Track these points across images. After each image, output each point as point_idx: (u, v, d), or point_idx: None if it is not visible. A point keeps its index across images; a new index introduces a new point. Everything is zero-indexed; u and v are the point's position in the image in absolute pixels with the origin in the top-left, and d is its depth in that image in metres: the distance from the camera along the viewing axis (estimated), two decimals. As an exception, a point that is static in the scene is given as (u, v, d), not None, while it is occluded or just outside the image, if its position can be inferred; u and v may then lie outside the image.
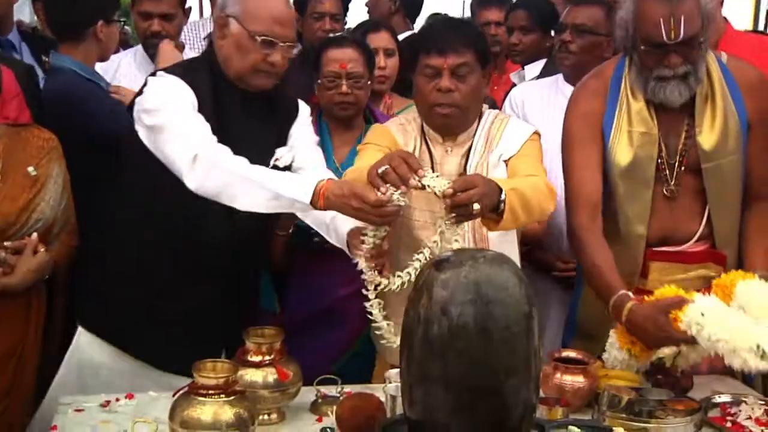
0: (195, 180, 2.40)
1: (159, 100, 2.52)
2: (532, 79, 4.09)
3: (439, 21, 2.86)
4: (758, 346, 2.26)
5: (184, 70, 2.62)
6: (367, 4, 5.12)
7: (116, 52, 4.01)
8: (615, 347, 2.53)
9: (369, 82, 3.20)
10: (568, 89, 3.42)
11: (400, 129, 2.81)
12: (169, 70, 2.65)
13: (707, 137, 2.70)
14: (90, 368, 2.69)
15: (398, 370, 2.00)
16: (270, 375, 2.33)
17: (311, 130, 2.86)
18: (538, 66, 4.15)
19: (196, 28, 4.31)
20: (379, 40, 3.61)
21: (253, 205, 2.40)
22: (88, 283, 2.76)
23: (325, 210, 2.36)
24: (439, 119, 2.72)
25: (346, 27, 4.47)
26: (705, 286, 2.71)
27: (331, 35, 3.44)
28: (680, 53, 2.61)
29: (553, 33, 4.07)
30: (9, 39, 3.83)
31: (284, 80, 3.28)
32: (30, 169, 2.72)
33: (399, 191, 2.24)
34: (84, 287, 2.77)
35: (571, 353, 2.54)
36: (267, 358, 2.35)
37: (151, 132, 2.51)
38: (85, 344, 2.71)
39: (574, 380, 2.42)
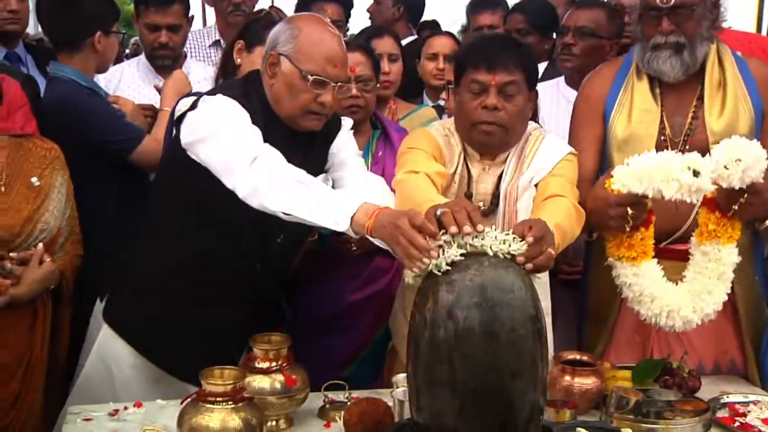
0: (249, 182, 2.32)
1: (217, 115, 2.47)
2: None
3: (490, 37, 2.77)
4: (689, 167, 2.35)
5: (242, 96, 2.55)
6: (369, 10, 5.13)
7: (119, 61, 4.04)
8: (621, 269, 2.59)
9: (378, 85, 3.20)
10: (570, 92, 3.43)
11: (445, 141, 2.70)
12: (226, 91, 2.57)
13: (716, 119, 2.72)
14: (114, 362, 2.70)
15: (405, 374, 2.00)
16: (277, 381, 2.32)
17: (351, 143, 2.78)
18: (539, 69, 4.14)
19: (200, 37, 4.30)
20: (383, 45, 3.61)
21: (295, 208, 2.27)
22: (120, 286, 2.76)
23: (370, 234, 2.19)
24: (482, 136, 2.62)
25: (348, 33, 4.47)
26: None
27: None
28: (673, 20, 2.66)
29: (554, 36, 4.06)
30: (16, 52, 3.87)
31: None
32: (33, 179, 2.72)
33: (453, 250, 1.91)
34: (115, 288, 2.78)
35: (578, 355, 2.53)
36: (274, 364, 2.34)
37: (201, 144, 2.45)
38: (109, 338, 2.72)
39: (581, 382, 2.41)
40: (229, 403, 2.09)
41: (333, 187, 2.66)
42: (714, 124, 2.71)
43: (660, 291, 2.54)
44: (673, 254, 2.72)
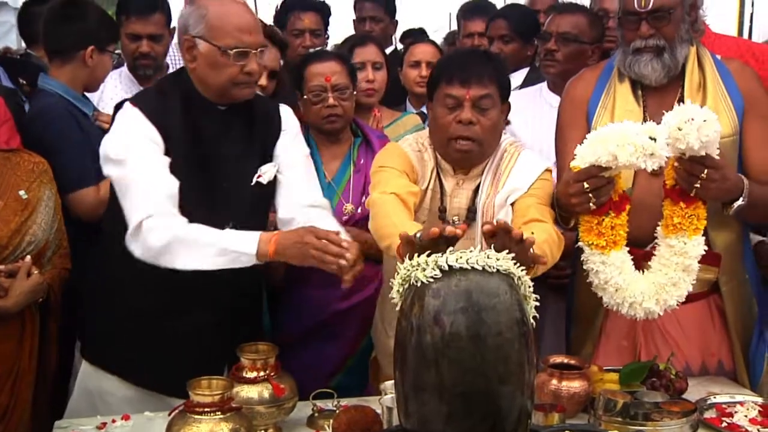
0: (137, 246, 2.47)
1: (122, 149, 2.52)
2: (516, 88, 4.09)
3: (463, 51, 2.81)
4: (645, 133, 2.39)
5: (155, 100, 2.61)
6: (367, 29, 5.01)
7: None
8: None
9: (354, 93, 3.20)
10: (553, 98, 3.45)
11: (417, 156, 2.71)
12: (139, 99, 2.64)
13: None
14: (98, 396, 2.69)
15: (393, 381, 2.00)
16: (265, 390, 2.33)
17: (299, 144, 2.84)
18: (520, 75, 4.16)
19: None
20: (367, 53, 3.62)
21: (198, 264, 2.45)
22: (88, 317, 2.77)
23: (277, 258, 2.45)
24: (458, 154, 2.63)
25: (329, 42, 4.48)
26: (702, 289, 2.74)
27: (311, 50, 3.44)
28: (651, 24, 2.68)
29: (535, 41, 4.08)
30: (-12, 64, 3.85)
31: (274, 95, 3.31)
32: (21, 192, 2.73)
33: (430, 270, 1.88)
34: (83, 321, 2.78)
35: (565, 359, 2.54)
36: (262, 373, 2.34)
37: (114, 183, 2.56)
38: (89, 373, 2.72)
39: (569, 386, 2.42)
40: (217, 413, 2.08)
41: (280, 189, 2.74)
42: None
43: (625, 282, 2.53)
44: None
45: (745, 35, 8.62)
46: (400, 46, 4.99)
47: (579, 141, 2.64)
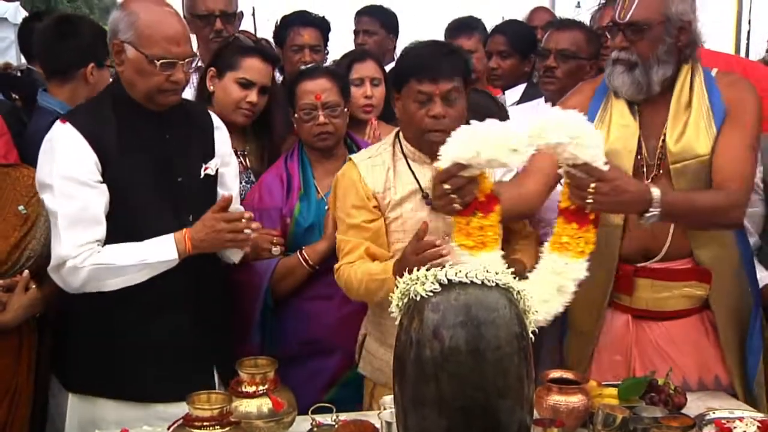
0: (59, 281, 2.57)
1: (48, 175, 2.55)
2: (513, 104, 4.11)
3: (426, 46, 2.90)
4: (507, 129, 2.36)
5: (88, 112, 2.65)
6: (359, 42, 5.05)
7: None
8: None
9: (346, 110, 3.20)
10: (551, 113, 3.45)
11: (368, 169, 2.82)
12: (72, 114, 2.67)
13: (675, 142, 2.69)
14: (92, 423, 2.65)
15: (392, 396, 2.00)
16: (264, 405, 2.32)
17: (229, 147, 2.95)
18: (518, 91, 4.18)
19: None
20: (366, 69, 3.63)
21: (125, 282, 2.54)
22: (66, 347, 2.75)
23: (195, 252, 2.58)
24: (433, 146, 2.66)
25: (329, 57, 4.49)
26: (693, 305, 2.75)
27: (303, 67, 3.45)
28: (627, 37, 2.67)
29: (533, 57, 4.10)
30: (-19, 80, 3.86)
31: (267, 112, 3.32)
32: (20, 207, 2.73)
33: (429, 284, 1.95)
34: (64, 353, 2.76)
35: (564, 374, 2.54)
36: (261, 388, 2.34)
37: (46, 209, 2.60)
38: (79, 408, 2.70)
39: (568, 400, 2.42)
40: (216, 427, 2.08)
41: (222, 180, 2.86)
42: (672, 146, 2.69)
43: None
44: (653, 273, 2.75)
45: (742, 53, 8.70)
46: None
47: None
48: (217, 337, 2.75)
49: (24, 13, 8.98)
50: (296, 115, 3.16)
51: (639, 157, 2.74)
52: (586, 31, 3.74)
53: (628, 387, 2.55)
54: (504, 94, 4.34)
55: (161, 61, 2.53)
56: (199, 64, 4.22)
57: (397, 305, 1.97)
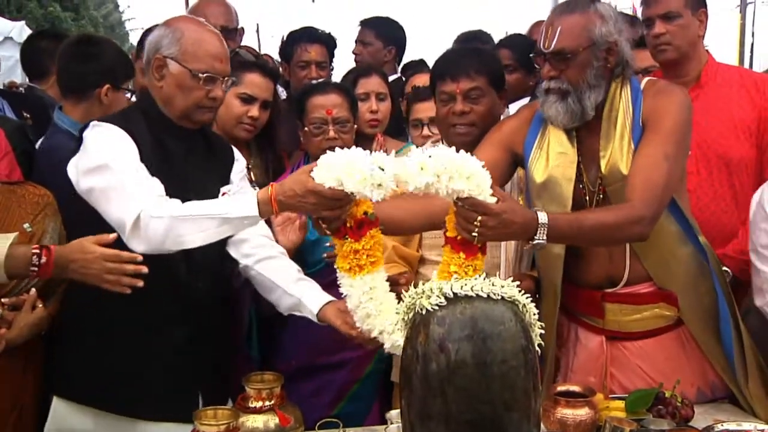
0: (140, 242, 2.40)
1: (101, 156, 2.52)
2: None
3: (452, 49, 3.04)
4: (379, 167, 2.19)
5: (121, 119, 2.64)
6: (354, 52, 5.14)
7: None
8: None
9: (354, 126, 3.23)
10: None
11: None
12: (106, 119, 2.66)
13: (607, 160, 2.63)
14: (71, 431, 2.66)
15: (399, 410, 2.00)
16: (271, 420, 2.32)
17: (248, 183, 2.94)
18: (522, 104, 4.18)
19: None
20: (371, 84, 3.65)
21: (204, 238, 2.40)
22: (57, 351, 2.74)
23: (279, 212, 2.39)
24: (457, 137, 2.89)
25: (333, 72, 4.51)
26: (667, 323, 2.73)
27: (314, 81, 3.46)
28: (554, 65, 2.62)
29: (537, 71, 4.11)
30: (-8, 98, 3.88)
31: (270, 126, 3.34)
32: (26, 225, 2.73)
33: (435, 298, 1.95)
34: (53, 356, 2.75)
35: (571, 387, 2.53)
36: (267, 403, 2.34)
37: (93, 193, 2.52)
38: (62, 414, 2.68)
39: (575, 413, 2.41)
40: (223, 443, 2.08)
41: None
42: (604, 170, 2.63)
43: (376, 309, 2.36)
44: (620, 298, 2.73)
45: (746, 65, 8.70)
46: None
47: (490, 158, 2.52)
48: (212, 362, 2.70)
49: (29, 32, 9.03)
50: (305, 129, 3.18)
51: (581, 185, 2.69)
52: None
53: (636, 399, 2.55)
54: (508, 108, 4.35)
55: (205, 74, 2.59)
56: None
57: (403, 319, 1.98)
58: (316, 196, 2.23)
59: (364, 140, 3.45)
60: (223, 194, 2.70)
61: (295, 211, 2.47)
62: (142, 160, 2.54)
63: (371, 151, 2.16)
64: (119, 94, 3.31)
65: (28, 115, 3.80)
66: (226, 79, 2.66)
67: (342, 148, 3.06)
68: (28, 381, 2.71)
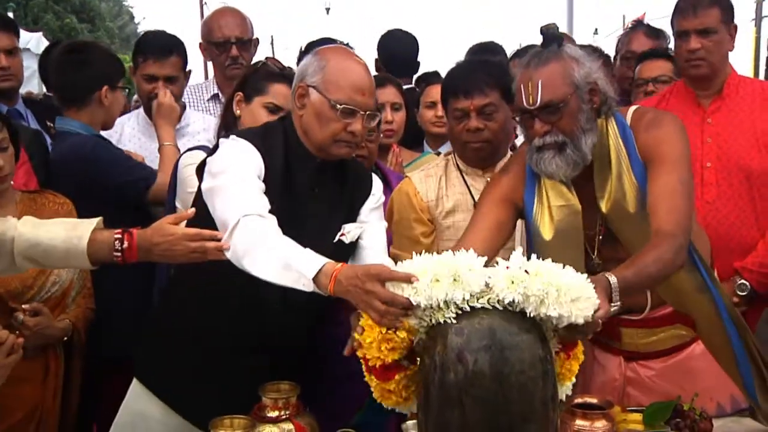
0: (232, 250, 2.32)
1: (224, 163, 2.50)
2: (523, 144, 4.09)
3: (463, 64, 2.99)
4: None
5: (260, 136, 2.59)
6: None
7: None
8: None
9: (380, 135, 3.24)
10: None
11: (422, 180, 2.99)
12: (243, 133, 2.62)
13: (606, 199, 2.57)
14: (142, 419, 2.65)
15: (416, 421, 1.99)
16: (287, 430, 2.32)
17: (381, 214, 2.79)
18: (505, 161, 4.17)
19: (199, 91, 4.35)
20: (386, 94, 3.66)
21: (265, 271, 2.29)
22: (149, 341, 2.74)
23: (333, 295, 2.18)
24: (472, 153, 2.91)
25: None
26: (684, 341, 2.73)
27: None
28: (544, 120, 2.51)
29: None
30: (16, 108, 3.91)
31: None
32: (45, 233, 2.74)
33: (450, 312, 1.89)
34: (145, 344, 2.75)
35: (589, 399, 2.52)
36: (284, 413, 2.33)
37: (209, 193, 2.49)
38: (138, 394, 2.68)
39: (593, 425, 2.39)
40: (240, 452, 2.08)
41: (360, 252, 2.65)
42: (605, 209, 2.57)
43: None
44: (636, 323, 2.71)
45: (761, 77, 8.68)
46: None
47: (492, 222, 2.58)
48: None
49: (46, 43, 9.11)
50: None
51: (588, 232, 2.62)
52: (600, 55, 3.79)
53: (654, 412, 2.53)
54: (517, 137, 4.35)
55: (343, 106, 2.49)
56: (215, 91, 4.28)
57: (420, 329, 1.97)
58: (376, 297, 2.03)
59: (379, 150, 3.45)
60: (342, 234, 2.60)
61: (347, 298, 2.17)
62: (266, 181, 2.49)
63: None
64: (117, 93, 3.38)
65: (52, 125, 3.83)
66: (368, 114, 2.53)
67: (367, 157, 3.07)
68: (48, 389, 2.72)
